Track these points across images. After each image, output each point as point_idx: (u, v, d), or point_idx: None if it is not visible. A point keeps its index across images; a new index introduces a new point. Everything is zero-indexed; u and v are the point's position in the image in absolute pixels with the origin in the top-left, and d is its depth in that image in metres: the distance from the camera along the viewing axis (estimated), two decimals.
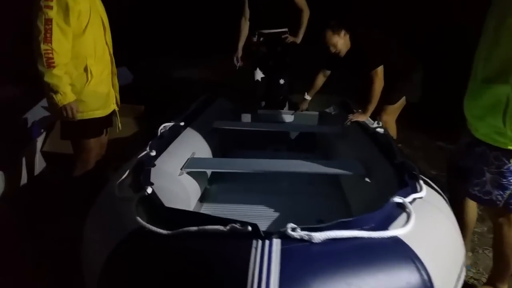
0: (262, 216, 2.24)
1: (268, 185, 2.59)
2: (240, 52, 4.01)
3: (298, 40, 3.96)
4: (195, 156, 2.41)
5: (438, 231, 1.45)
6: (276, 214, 2.29)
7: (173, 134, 2.47)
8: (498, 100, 1.67)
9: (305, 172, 2.35)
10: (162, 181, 1.84)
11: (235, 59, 4.01)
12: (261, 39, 3.97)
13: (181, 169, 2.20)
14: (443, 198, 1.79)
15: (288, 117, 3.60)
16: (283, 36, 3.92)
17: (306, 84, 3.59)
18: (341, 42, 3.07)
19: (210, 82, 5.79)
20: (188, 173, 2.23)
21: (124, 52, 3.21)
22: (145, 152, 1.99)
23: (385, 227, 1.28)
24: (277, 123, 3.51)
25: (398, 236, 1.24)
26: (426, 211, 1.48)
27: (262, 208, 2.35)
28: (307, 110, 3.60)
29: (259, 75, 4.09)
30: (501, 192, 1.79)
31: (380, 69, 2.97)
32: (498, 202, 1.82)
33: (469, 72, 1.87)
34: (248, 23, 3.96)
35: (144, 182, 1.64)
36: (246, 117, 3.54)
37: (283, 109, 3.99)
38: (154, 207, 1.42)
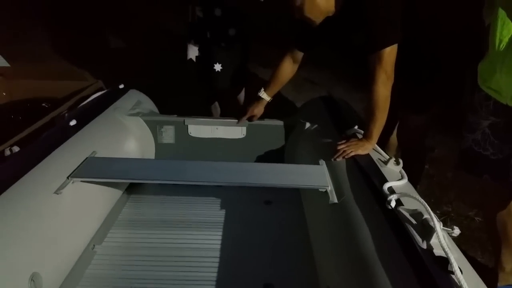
0: (189, 274, 1.59)
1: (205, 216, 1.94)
2: None
3: None
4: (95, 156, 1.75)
5: None
6: (210, 274, 1.59)
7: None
8: None
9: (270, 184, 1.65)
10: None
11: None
12: None
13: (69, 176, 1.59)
14: None
15: (237, 132, 2.23)
16: None
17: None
18: (309, 5, 1.63)
19: None
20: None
21: None
22: None
23: None
24: (212, 152, 2.23)
25: None
26: None
27: (191, 260, 1.67)
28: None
29: (193, 51, 2.60)
30: None
31: (389, 52, 1.59)
32: None
33: None
34: None
35: None
36: (167, 133, 2.24)
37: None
38: None
